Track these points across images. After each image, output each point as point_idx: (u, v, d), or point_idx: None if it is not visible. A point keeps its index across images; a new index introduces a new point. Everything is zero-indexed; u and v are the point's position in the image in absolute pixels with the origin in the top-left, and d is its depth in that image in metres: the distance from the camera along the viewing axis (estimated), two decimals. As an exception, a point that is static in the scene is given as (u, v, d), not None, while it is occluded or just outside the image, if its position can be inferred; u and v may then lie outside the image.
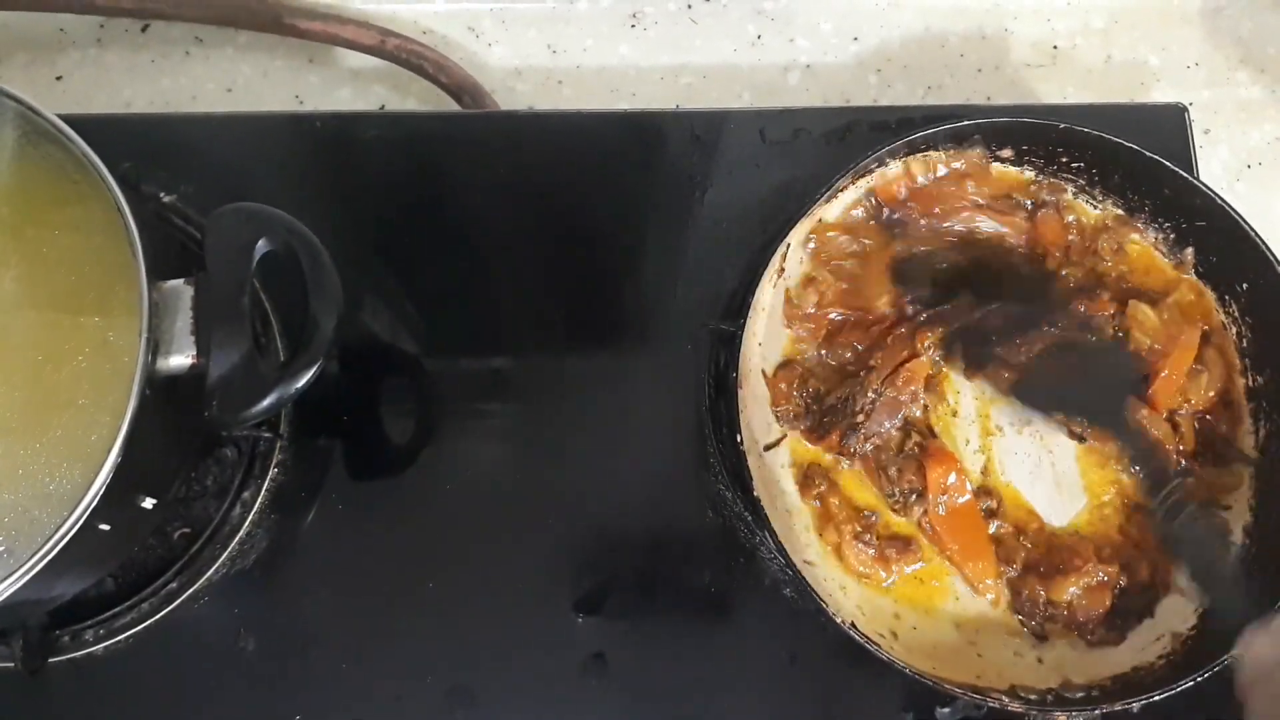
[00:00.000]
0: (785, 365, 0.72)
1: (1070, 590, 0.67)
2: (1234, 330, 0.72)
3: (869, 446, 0.70)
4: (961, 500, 0.69)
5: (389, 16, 0.86)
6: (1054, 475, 0.71)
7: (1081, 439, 0.71)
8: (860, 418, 0.69)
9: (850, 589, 0.68)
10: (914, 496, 0.69)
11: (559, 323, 0.75)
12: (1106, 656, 0.67)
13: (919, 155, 0.74)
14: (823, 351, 0.72)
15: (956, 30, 0.91)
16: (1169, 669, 0.65)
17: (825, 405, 0.71)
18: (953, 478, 0.69)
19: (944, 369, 0.72)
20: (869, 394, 0.69)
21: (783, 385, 0.71)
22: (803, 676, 0.68)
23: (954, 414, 0.72)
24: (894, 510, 0.69)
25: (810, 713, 0.69)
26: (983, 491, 0.70)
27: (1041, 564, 0.68)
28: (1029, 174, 0.76)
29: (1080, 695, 0.65)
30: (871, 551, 0.68)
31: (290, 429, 0.71)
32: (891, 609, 0.68)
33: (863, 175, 0.73)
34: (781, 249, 0.68)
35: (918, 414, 0.71)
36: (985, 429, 0.72)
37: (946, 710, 0.68)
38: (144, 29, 0.87)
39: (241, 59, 0.87)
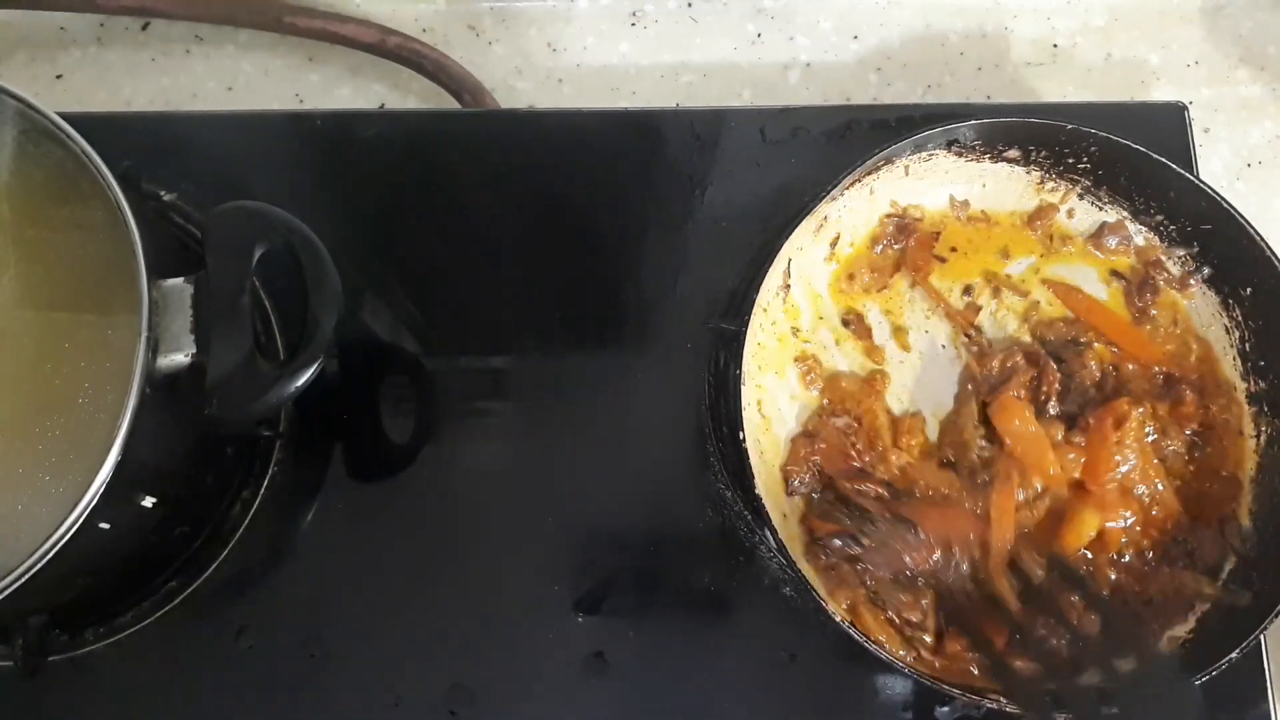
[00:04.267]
0: (807, 435, 0.71)
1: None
2: (1237, 335, 0.72)
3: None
4: None
5: (389, 15, 0.86)
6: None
7: None
8: (858, 549, 0.66)
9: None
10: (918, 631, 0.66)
11: (559, 322, 0.75)
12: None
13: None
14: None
15: (956, 29, 0.91)
16: (1167, 670, 0.65)
17: (836, 493, 0.69)
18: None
19: None
20: (877, 531, 0.67)
21: (803, 452, 0.70)
22: (802, 675, 0.68)
23: None
24: (905, 642, 0.66)
25: (810, 712, 0.69)
26: None
27: None
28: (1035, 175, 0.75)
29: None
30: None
31: (290, 428, 0.71)
32: None
33: (869, 173, 0.72)
34: (786, 246, 0.68)
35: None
36: None
37: (945, 709, 0.68)
38: (144, 27, 0.87)
39: (242, 57, 0.87)
